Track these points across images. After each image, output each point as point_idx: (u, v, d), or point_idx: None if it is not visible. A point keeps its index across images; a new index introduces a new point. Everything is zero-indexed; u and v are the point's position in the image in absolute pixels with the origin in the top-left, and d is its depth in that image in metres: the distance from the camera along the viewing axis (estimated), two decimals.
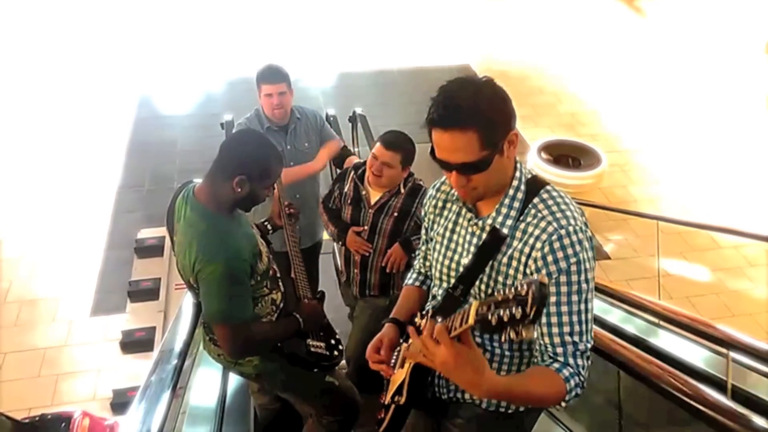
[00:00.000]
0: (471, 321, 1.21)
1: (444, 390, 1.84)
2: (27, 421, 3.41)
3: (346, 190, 3.10)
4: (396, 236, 2.98)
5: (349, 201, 3.07)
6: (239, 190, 2.04)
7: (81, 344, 4.44)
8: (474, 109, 1.44)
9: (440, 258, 1.76)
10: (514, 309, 1.10)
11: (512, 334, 1.12)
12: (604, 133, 7.28)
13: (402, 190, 2.95)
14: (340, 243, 3.15)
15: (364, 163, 2.99)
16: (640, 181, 6.55)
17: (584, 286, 1.51)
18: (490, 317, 1.14)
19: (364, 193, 3.01)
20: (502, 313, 1.12)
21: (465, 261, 1.69)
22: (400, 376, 1.71)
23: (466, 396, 1.80)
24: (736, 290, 5.02)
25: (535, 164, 5.99)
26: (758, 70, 8.23)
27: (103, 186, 6.13)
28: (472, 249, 1.66)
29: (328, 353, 2.51)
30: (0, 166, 6.35)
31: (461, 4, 10.45)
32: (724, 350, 2.58)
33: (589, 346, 1.52)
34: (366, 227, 3.01)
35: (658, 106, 7.83)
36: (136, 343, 4.38)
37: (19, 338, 4.48)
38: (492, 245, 1.53)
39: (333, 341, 2.56)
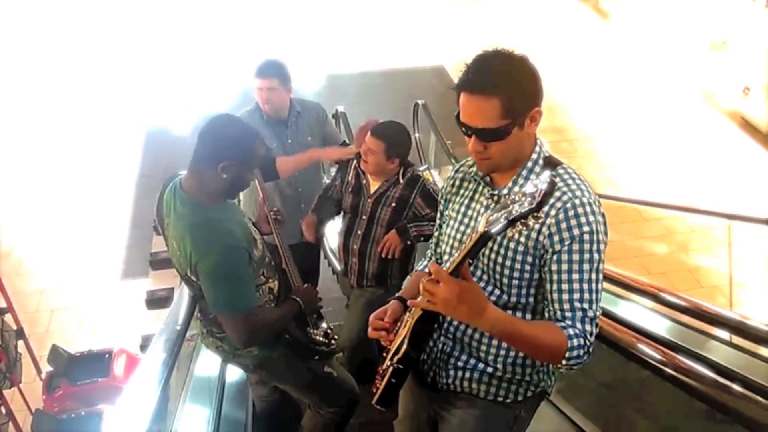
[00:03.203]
0: (481, 228, 1.27)
1: (443, 379, 1.81)
2: (78, 354, 4.40)
3: (348, 178, 3.09)
4: (393, 226, 2.96)
5: (350, 189, 3.06)
6: (225, 175, 2.01)
7: (115, 301, 5.46)
8: (500, 76, 1.47)
9: (452, 233, 1.76)
10: (522, 202, 1.21)
11: (520, 227, 1.22)
12: (568, 125, 8.17)
13: (401, 180, 2.95)
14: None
15: None
16: (595, 165, 7.47)
17: (596, 256, 1.52)
18: (500, 218, 1.23)
19: (365, 182, 3.01)
20: (511, 210, 1.22)
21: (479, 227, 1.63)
22: (400, 338, 1.68)
23: (464, 385, 1.78)
24: (653, 254, 6.01)
25: None
26: (702, 66, 9.15)
27: (126, 176, 7.13)
28: None
29: (325, 341, 2.50)
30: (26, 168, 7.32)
31: (436, 7, 11.09)
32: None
33: (598, 313, 1.53)
34: (364, 216, 3.01)
35: (616, 100, 8.73)
36: (158, 300, 5.33)
37: (63, 298, 5.50)
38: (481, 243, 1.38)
39: (328, 330, 2.56)
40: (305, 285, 2.55)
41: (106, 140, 7.77)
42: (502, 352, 1.71)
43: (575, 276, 1.51)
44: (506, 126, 1.49)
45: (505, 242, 1.59)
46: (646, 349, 2.19)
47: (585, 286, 1.51)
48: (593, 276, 1.52)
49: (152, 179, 6.91)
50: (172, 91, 8.73)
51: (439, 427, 1.96)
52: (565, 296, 1.52)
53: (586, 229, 1.50)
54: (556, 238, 1.52)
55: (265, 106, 3.24)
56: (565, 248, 1.51)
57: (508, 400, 1.78)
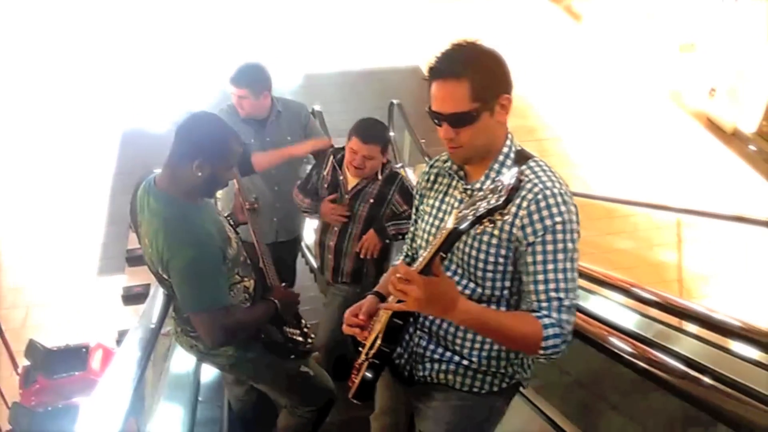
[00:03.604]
0: (450, 225, 1.29)
1: (419, 372, 1.82)
2: (55, 348, 4.46)
3: (324, 173, 3.05)
4: (371, 223, 2.95)
5: (326, 185, 3.03)
6: (200, 173, 1.98)
7: (91, 297, 5.51)
8: (469, 60, 1.52)
9: (427, 227, 1.77)
10: (489, 198, 1.23)
11: (487, 224, 1.24)
12: (539, 125, 8.36)
13: (379, 177, 2.92)
14: (315, 215, 3.13)
15: (343, 148, 2.94)
16: (564, 164, 7.66)
17: (569, 245, 1.53)
18: (468, 214, 1.25)
19: (341, 178, 2.98)
20: (478, 206, 1.24)
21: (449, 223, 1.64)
22: (375, 333, 1.68)
23: (440, 377, 1.79)
24: (619, 249, 6.20)
25: None
26: (671, 68, 9.39)
27: (102, 174, 7.16)
28: None
29: (302, 339, 2.49)
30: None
31: (411, 7, 11.19)
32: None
33: (574, 302, 1.54)
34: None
35: (587, 100, 8.93)
36: (134, 296, 5.35)
37: (40, 294, 5.54)
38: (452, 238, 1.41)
39: (305, 329, 2.54)
40: (283, 285, 2.53)
41: (82, 138, 7.77)
42: (477, 345, 1.72)
43: (550, 266, 1.52)
44: (476, 109, 1.52)
45: (478, 236, 1.60)
46: (618, 342, 2.20)
47: (560, 275, 1.52)
48: (568, 265, 1.53)
49: (128, 177, 6.89)
50: (149, 89, 8.75)
51: (416, 419, 1.98)
52: (541, 287, 1.53)
53: (558, 219, 1.52)
54: (529, 229, 1.53)
55: (240, 111, 3.26)
56: (539, 239, 1.52)
57: (484, 391, 1.79)
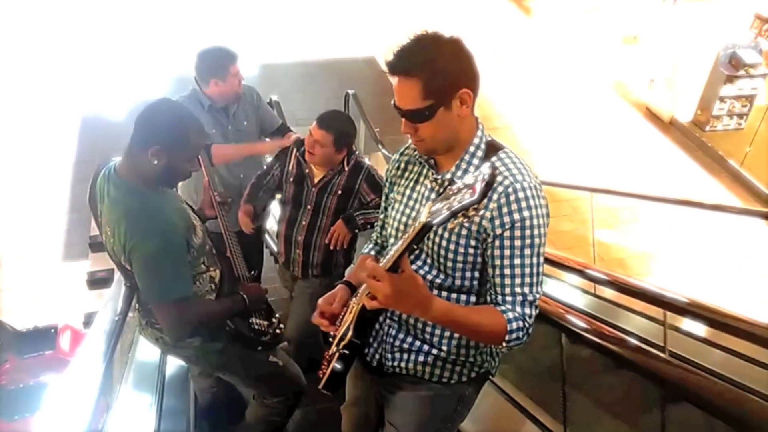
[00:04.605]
0: (424, 218, 1.25)
1: (389, 362, 1.82)
2: (24, 330, 4.60)
3: (289, 168, 2.98)
4: (340, 214, 2.91)
5: (292, 179, 2.95)
6: (155, 161, 1.92)
7: (57, 281, 5.67)
8: (419, 58, 1.47)
9: (398, 216, 1.75)
10: (463, 194, 1.21)
11: (462, 219, 1.21)
12: (490, 114, 8.68)
13: (345, 168, 2.87)
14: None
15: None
16: (514, 150, 7.97)
17: (537, 240, 1.52)
18: (442, 209, 1.22)
19: (307, 171, 2.91)
20: (452, 201, 1.22)
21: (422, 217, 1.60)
22: (345, 324, 1.65)
23: (410, 367, 1.79)
24: (561, 231, 6.59)
25: None
26: (615, 59, 9.84)
27: (62, 162, 7.24)
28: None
29: (270, 331, 2.45)
30: None
31: None
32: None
33: (537, 296, 1.55)
34: (309, 206, 2.94)
35: (535, 91, 9.31)
36: (98, 280, 5.49)
37: (5, 279, 5.66)
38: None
39: (274, 320, 2.50)
40: (252, 272, 2.52)
41: (40, 126, 7.82)
42: (447, 334, 1.73)
43: (516, 261, 1.53)
44: (429, 107, 1.49)
45: (448, 227, 1.58)
46: (574, 320, 2.28)
47: (526, 270, 1.53)
48: (534, 260, 1.54)
49: (88, 165, 6.97)
50: (107, 78, 8.81)
51: (385, 410, 1.98)
52: (507, 281, 1.54)
53: (526, 213, 1.51)
54: (497, 222, 1.52)
55: (235, 92, 3.23)
56: (507, 233, 1.52)
57: (453, 381, 1.80)
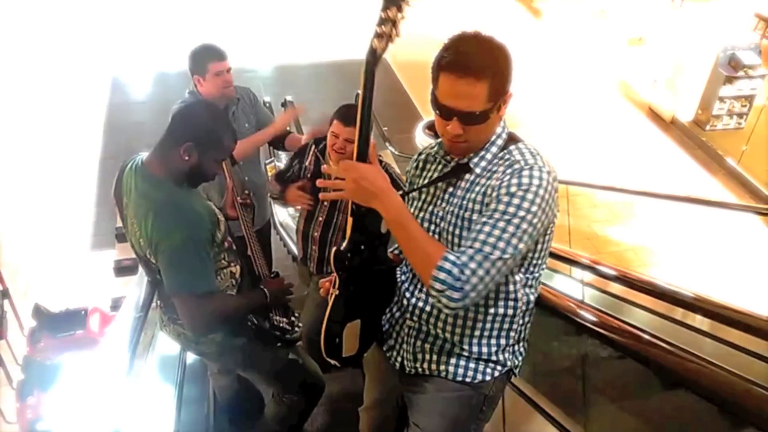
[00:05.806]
0: (370, 46, 1.43)
1: (410, 363, 1.81)
2: (57, 312, 4.98)
3: (306, 164, 2.97)
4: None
5: (309, 176, 2.95)
6: (187, 158, 1.95)
7: (85, 269, 6.08)
8: (491, 60, 1.47)
9: (415, 211, 1.74)
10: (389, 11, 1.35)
11: (388, 27, 1.37)
12: None
13: None
14: (280, 199, 3.06)
15: (325, 137, 2.84)
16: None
17: (521, 212, 1.46)
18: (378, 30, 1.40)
19: (325, 168, 2.73)
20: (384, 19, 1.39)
21: (439, 211, 1.67)
22: (333, 295, 1.69)
23: (432, 367, 1.78)
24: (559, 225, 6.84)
25: (422, 140, 6.98)
26: (620, 60, 10.06)
27: (89, 158, 7.69)
28: (447, 197, 1.66)
29: (290, 327, 2.43)
30: None
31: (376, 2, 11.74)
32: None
33: (493, 257, 1.45)
34: (326, 203, 2.92)
35: (543, 91, 9.50)
36: (124, 268, 5.84)
37: (40, 268, 6.09)
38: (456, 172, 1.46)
39: (293, 318, 2.49)
40: (273, 274, 2.49)
41: (68, 126, 8.26)
42: (468, 332, 1.70)
43: (489, 221, 1.48)
44: (489, 109, 1.50)
45: (466, 214, 1.60)
46: (586, 314, 2.21)
47: (494, 231, 1.46)
48: (508, 228, 1.46)
49: (113, 161, 7.37)
50: (132, 76, 9.24)
51: (408, 410, 1.94)
52: (472, 234, 1.49)
53: (524, 187, 1.48)
54: (494, 193, 1.51)
55: (227, 89, 3.18)
56: (495, 199, 1.50)
57: (476, 381, 1.76)
